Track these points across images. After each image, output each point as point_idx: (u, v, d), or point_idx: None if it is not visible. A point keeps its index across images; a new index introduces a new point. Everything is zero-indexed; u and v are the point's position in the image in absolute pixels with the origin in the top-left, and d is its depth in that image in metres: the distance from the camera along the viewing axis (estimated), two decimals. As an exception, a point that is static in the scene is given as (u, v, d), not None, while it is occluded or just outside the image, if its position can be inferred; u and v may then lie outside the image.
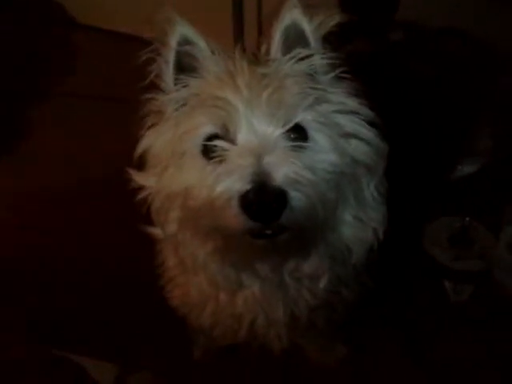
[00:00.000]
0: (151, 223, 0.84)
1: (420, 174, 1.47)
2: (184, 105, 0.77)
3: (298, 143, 0.70)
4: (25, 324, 1.33)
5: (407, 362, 1.27)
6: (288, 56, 0.76)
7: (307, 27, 0.76)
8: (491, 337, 1.28)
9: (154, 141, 0.78)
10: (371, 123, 0.77)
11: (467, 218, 1.46)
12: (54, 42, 2.27)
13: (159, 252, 0.96)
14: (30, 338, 1.29)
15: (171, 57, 0.77)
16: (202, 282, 0.86)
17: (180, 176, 0.73)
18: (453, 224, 1.47)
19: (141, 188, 0.80)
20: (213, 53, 0.77)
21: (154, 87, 0.79)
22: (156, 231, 0.84)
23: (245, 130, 0.70)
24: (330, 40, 0.77)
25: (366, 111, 0.77)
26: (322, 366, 1.26)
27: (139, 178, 0.80)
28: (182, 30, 0.76)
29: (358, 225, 0.80)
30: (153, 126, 0.80)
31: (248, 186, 0.64)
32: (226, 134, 0.71)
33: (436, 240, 1.45)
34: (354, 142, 0.76)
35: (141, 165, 0.81)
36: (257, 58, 0.78)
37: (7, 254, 1.48)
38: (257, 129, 0.69)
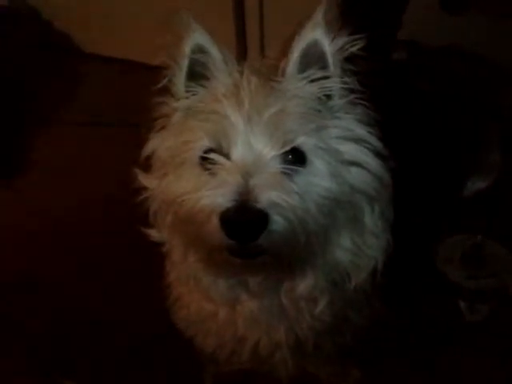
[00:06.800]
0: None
1: (430, 192, 1.45)
2: (190, 114, 0.76)
3: (293, 167, 0.69)
4: (25, 351, 1.29)
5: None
6: (301, 76, 0.74)
7: (328, 49, 0.73)
8: (509, 357, 1.23)
9: (159, 144, 0.78)
10: (377, 153, 0.75)
11: (480, 236, 1.42)
12: (60, 70, 2.30)
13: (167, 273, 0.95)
14: (31, 366, 1.26)
15: (184, 63, 0.77)
16: (200, 298, 0.85)
17: (178, 183, 0.73)
18: (465, 242, 1.43)
19: (143, 188, 0.81)
20: (226, 63, 0.76)
21: (167, 91, 0.79)
22: (152, 233, 0.84)
23: (240, 147, 0.68)
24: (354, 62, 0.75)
25: (374, 140, 0.75)
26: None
27: (143, 178, 0.81)
28: (197, 37, 0.76)
29: (356, 251, 0.78)
30: (162, 128, 0.80)
31: (229, 204, 0.63)
32: (221, 149, 0.70)
33: (448, 259, 1.41)
34: (354, 169, 0.74)
35: (147, 166, 0.82)
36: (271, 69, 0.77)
37: (5, 280, 1.46)
38: (253, 147, 0.68)
